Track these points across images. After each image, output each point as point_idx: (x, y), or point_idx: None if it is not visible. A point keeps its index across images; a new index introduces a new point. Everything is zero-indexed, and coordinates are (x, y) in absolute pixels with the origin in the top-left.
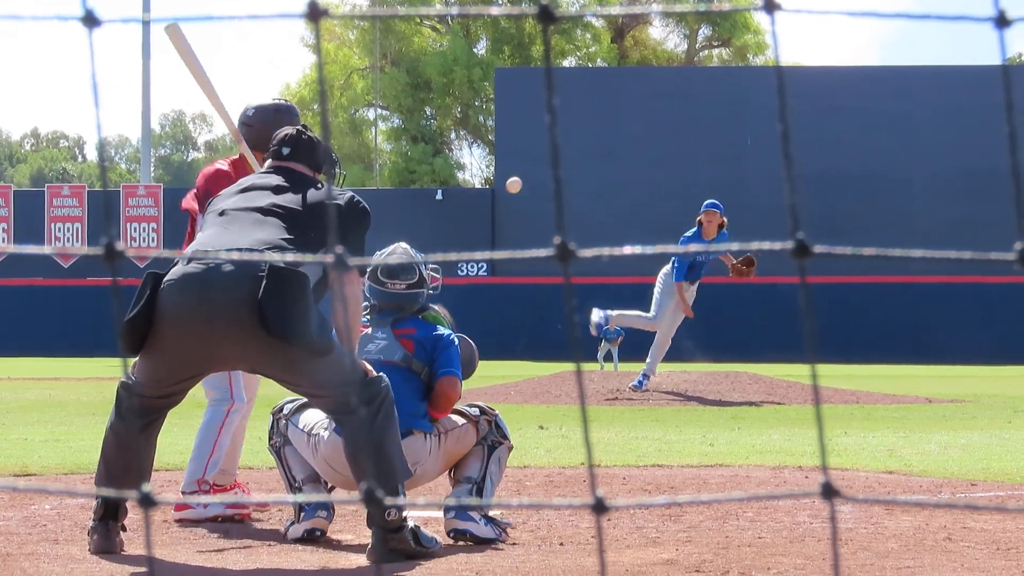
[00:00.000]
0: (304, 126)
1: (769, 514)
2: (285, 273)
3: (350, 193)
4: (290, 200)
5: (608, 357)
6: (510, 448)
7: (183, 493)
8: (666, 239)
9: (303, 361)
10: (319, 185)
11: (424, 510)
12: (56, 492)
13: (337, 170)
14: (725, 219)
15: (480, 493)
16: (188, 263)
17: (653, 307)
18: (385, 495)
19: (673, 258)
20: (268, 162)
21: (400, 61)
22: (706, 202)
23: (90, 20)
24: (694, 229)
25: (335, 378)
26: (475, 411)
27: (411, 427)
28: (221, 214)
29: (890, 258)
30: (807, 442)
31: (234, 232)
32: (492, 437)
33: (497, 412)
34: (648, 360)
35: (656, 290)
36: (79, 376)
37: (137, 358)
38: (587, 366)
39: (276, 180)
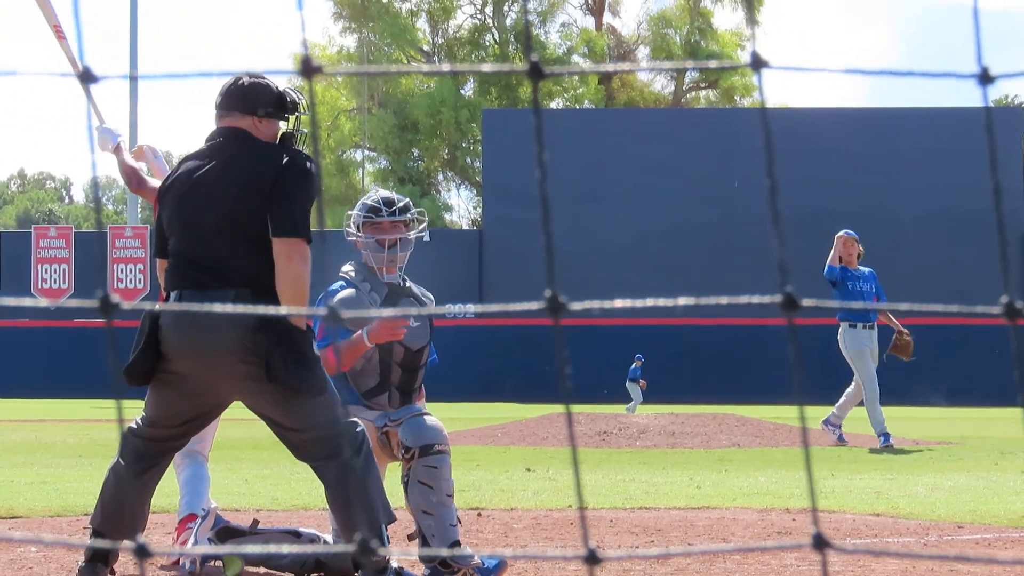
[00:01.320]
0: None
1: (756, 556)
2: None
3: (290, 156)
4: (237, 188)
5: (635, 398)
6: (426, 454)
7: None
8: (653, 279)
9: (295, 401)
10: (251, 144)
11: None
12: (50, 543)
13: (300, 112)
14: (862, 248)
15: (426, 542)
16: (179, 297)
17: (855, 376)
18: (371, 538)
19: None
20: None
21: (387, 103)
22: (843, 231)
23: (87, 77)
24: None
25: (322, 419)
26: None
27: None
28: (174, 226)
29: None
30: (794, 484)
31: (202, 257)
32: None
33: (402, 418)
34: (869, 414)
35: (848, 359)
36: (65, 418)
37: (147, 397)
38: (576, 408)
39: (217, 160)
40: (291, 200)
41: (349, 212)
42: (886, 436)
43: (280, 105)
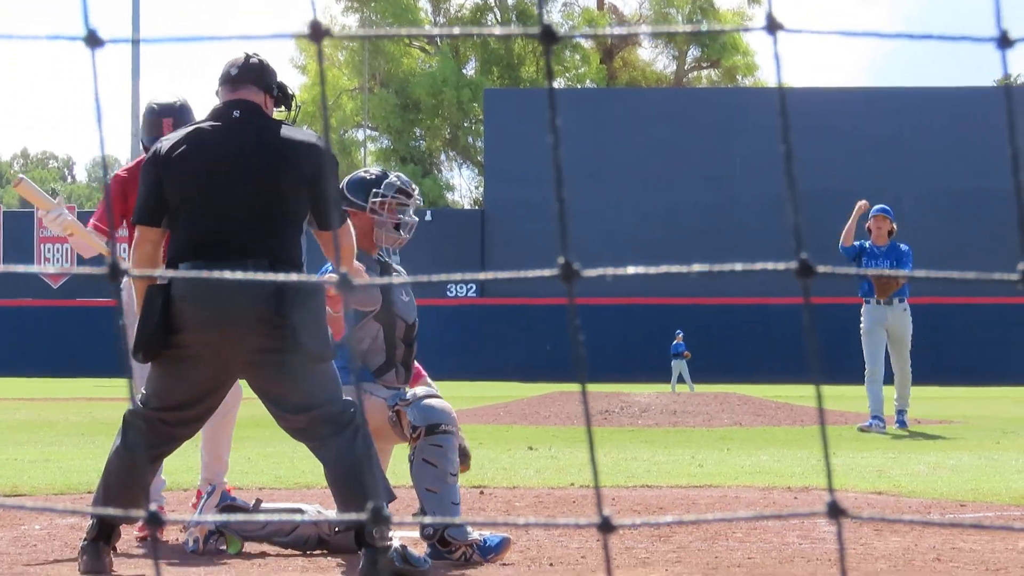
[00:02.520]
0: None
1: (758, 535)
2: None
3: (322, 145)
4: (269, 168)
5: (680, 378)
6: (431, 433)
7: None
8: (655, 259)
9: (308, 374)
10: (272, 121)
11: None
12: (62, 511)
13: (295, 104)
14: (895, 225)
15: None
16: (193, 268)
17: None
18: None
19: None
20: (220, 93)
21: (389, 82)
22: (874, 207)
23: (93, 40)
24: (867, 241)
25: (329, 395)
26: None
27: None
28: (191, 196)
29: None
30: (796, 463)
31: (223, 229)
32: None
33: (416, 397)
34: (867, 392)
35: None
36: (68, 396)
37: (148, 376)
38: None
39: (240, 133)
40: (331, 192)
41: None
42: (875, 420)
43: (284, 91)
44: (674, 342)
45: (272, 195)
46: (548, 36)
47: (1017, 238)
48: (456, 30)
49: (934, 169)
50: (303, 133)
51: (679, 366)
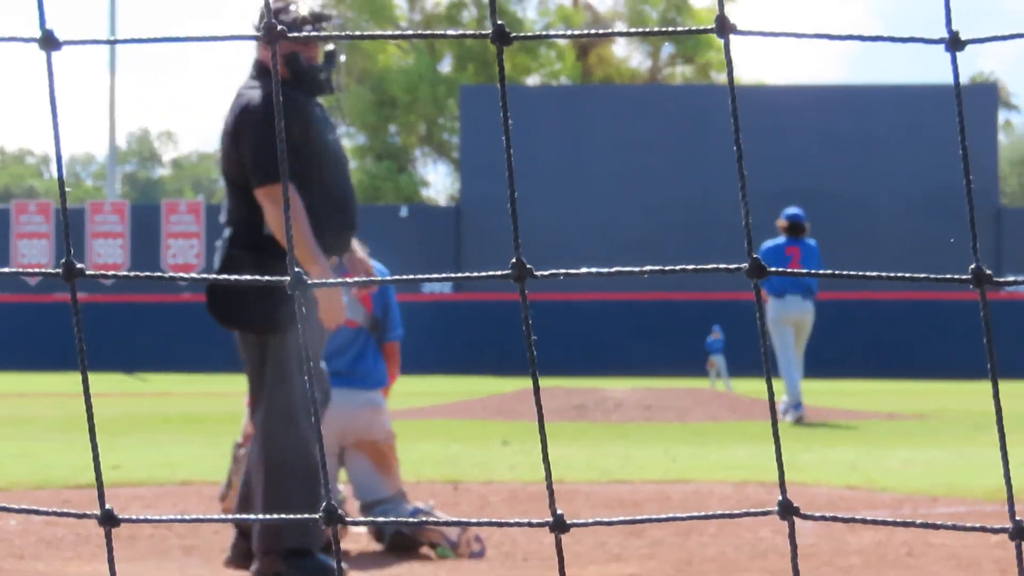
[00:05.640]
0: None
1: (732, 530)
2: (233, 255)
3: (250, 98)
4: (222, 130)
5: (719, 373)
6: None
7: None
8: (630, 255)
9: (249, 343)
10: (259, 77)
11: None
12: (44, 512)
13: (310, 30)
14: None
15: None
16: None
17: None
18: (276, 555)
19: None
20: None
21: (364, 78)
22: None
23: (48, 42)
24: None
25: (262, 374)
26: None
27: (378, 385)
28: None
29: (849, 276)
30: (770, 458)
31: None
32: None
33: None
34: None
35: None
36: (45, 392)
37: None
38: (553, 381)
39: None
40: (250, 148)
41: None
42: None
43: (268, 25)
44: (710, 337)
45: (222, 159)
46: (501, 37)
47: (988, 233)
48: (410, 32)
49: (908, 166)
50: (248, 89)
51: (718, 362)
